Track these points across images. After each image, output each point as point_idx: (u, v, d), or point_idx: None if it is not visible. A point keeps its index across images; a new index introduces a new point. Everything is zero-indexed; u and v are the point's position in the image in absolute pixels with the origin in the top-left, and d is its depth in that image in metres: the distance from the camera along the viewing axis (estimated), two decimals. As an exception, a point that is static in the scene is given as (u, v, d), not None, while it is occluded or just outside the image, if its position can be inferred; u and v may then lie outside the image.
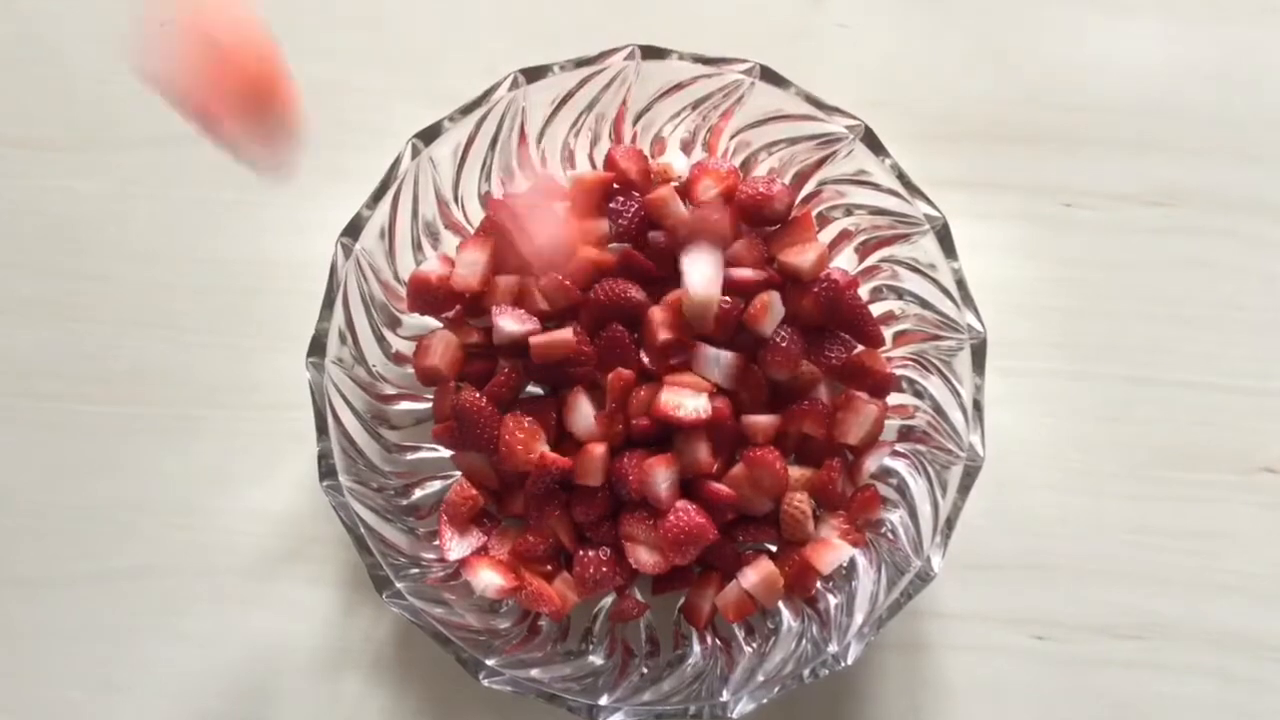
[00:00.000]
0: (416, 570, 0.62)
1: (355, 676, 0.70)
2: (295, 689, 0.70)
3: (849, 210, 0.66)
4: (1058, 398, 0.72)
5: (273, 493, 0.71)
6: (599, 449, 0.62)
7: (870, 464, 0.64)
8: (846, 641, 0.59)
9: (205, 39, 0.46)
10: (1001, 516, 0.71)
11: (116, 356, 0.73)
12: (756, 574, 0.62)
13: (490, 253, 0.64)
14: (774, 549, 0.66)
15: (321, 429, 0.60)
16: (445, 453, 0.67)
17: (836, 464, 0.63)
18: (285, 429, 0.71)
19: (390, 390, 0.66)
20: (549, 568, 0.64)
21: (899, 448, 0.65)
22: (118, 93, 0.75)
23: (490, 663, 0.59)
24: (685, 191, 0.65)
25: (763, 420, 0.63)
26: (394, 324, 0.66)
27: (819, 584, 0.64)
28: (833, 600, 0.64)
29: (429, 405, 0.67)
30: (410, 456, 0.67)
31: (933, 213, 0.61)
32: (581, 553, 0.63)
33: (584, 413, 0.63)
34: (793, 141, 0.65)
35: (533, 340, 0.63)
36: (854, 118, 0.61)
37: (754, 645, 0.65)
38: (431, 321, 0.67)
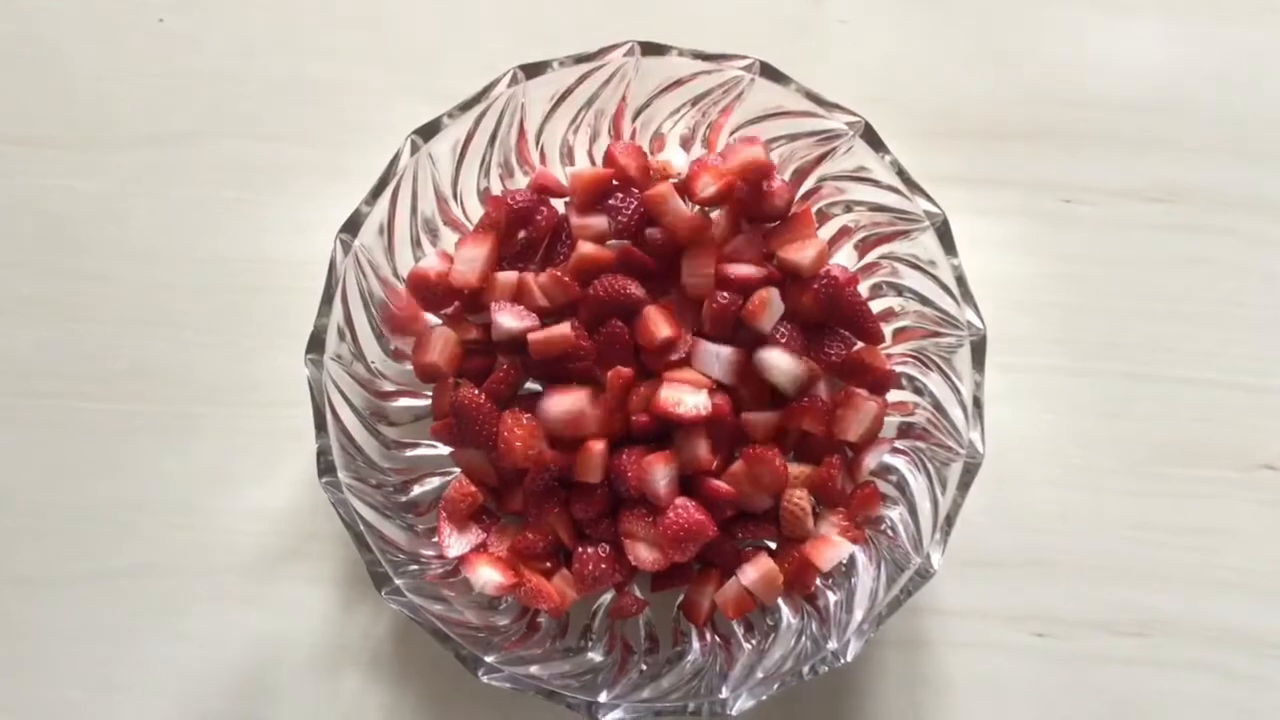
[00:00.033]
0: (415, 567, 0.62)
1: (354, 673, 0.70)
2: (295, 686, 0.70)
3: (849, 207, 0.66)
4: (1058, 394, 0.72)
5: (272, 491, 0.71)
6: (598, 445, 0.61)
7: (870, 461, 0.64)
8: (846, 638, 0.59)
9: None
10: (1001, 513, 0.71)
11: (116, 356, 0.73)
12: (756, 571, 0.62)
13: (489, 249, 0.64)
14: (773, 546, 0.66)
15: (320, 425, 0.59)
16: (444, 449, 0.67)
17: (836, 461, 0.63)
18: (285, 427, 0.71)
19: (389, 387, 0.66)
20: (548, 564, 0.64)
21: (899, 444, 0.65)
22: (118, 92, 0.75)
23: (489, 659, 0.59)
24: (684, 188, 0.65)
25: (762, 417, 0.63)
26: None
27: (818, 581, 0.64)
28: (832, 597, 0.64)
29: (428, 402, 0.67)
30: (409, 453, 0.67)
31: (932, 209, 0.61)
32: (580, 549, 0.63)
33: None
34: (793, 138, 0.65)
35: (531, 336, 0.63)
36: (854, 114, 0.61)
37: (753, 642, 0.65)
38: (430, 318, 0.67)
